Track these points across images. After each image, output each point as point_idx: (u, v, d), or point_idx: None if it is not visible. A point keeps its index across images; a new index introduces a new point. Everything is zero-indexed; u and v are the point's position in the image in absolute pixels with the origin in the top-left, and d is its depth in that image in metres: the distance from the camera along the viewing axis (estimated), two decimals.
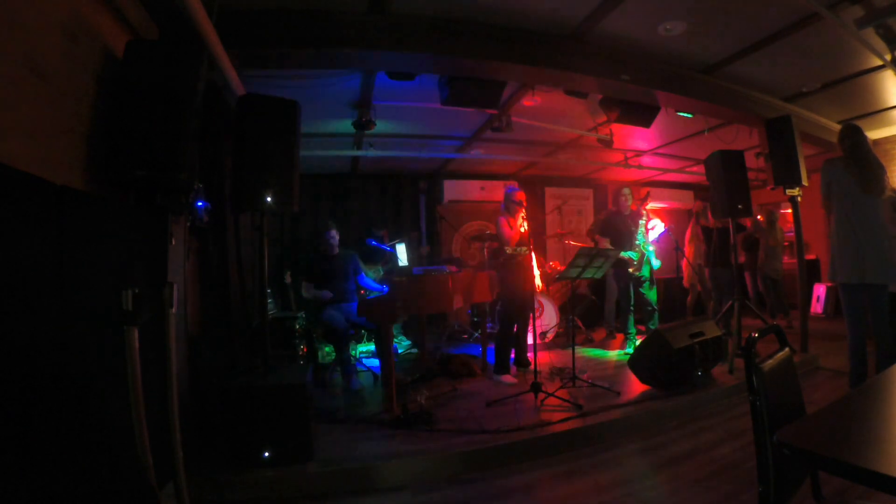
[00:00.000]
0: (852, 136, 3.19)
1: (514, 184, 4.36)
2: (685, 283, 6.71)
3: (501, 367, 4.05)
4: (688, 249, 6.36)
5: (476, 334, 5.65)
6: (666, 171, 7.59)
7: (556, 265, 6.04)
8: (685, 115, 4.75)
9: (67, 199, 1.60)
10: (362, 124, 4.43)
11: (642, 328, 5.18)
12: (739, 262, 6.19)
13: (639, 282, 4.98)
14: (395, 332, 4.76)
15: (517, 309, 4.11)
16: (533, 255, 4.14)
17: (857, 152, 3.15)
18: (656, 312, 5.03)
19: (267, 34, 2.99)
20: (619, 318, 5.48)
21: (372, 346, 5.02)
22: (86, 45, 1.93)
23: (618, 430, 3.01)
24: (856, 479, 0.89)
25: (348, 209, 7.02)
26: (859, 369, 3.16)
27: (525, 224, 4.08)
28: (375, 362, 4.50)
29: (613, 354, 5.06)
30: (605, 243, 5.07)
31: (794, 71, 4.18)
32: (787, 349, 1.38)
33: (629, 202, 5.13)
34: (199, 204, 2.65)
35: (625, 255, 4.87)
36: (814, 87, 4.51)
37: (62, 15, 1.75)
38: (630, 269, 4.93)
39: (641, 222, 5.03)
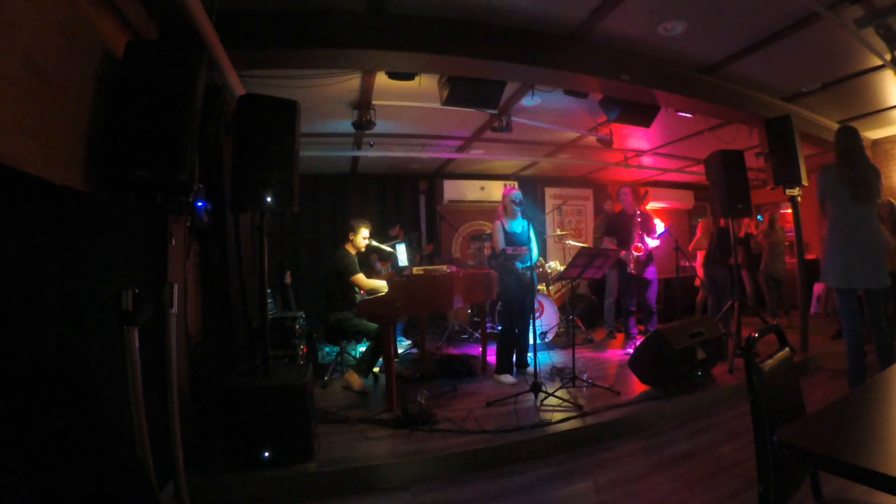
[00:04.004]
0: (847, 141, 3.22)
1: (513, 186, 4.35)
2: (697, 282, 6.72)
3: (502, 366, 4.05)
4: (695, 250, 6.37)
5: (476, 334, 5.65)
6: (666, 170, 7.59)
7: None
8: (685, 115, 4.76)
9: (67, 199, 1.60)
10: (362, 124, 4.43)
11: (642, 328, 5.18)
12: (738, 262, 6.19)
13: (641, 282, 4.97)
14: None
15: (517, 309, 4.10)
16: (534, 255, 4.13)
17: (851, 159, 3.18)
18: (654, 314, 5.02)
19: (267, 34, 2.99)
20: (619, 317, 5.48)
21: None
22: (85, 45, 1.93)
23: (618, 430, 3.01)
24: (856, 479, 0.89)
25: (348, 209, 7.02)
26: (858, 369, 3.18)
27: (525, 225, 4.08)
28: None
29: (613, 354, 5.06)
30: (611, 243, 5.06)
31: (794, 71, 4.18)
32: (787, 349, 1.38)
33: (632, 201, 5.14)
34: (199, 204, 2.65)
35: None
36: (814, 87, 4.51)
37: (61, 15, 1.75)
38: (629, 269, 4.92)
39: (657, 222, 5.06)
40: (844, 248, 3.14)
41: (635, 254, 4.88)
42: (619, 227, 5.12)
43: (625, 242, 4.94)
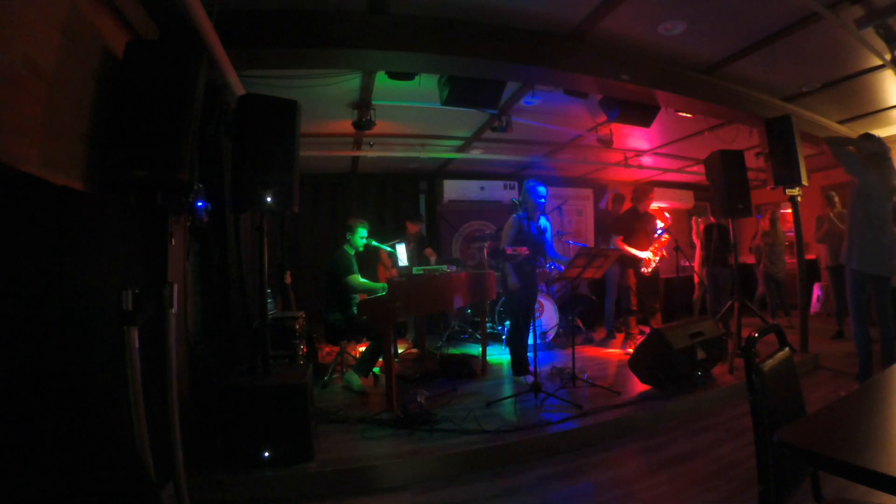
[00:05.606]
0: (884, 147, 3.46)
1: (538, 181, 4.10)
2: (696, 279, 6.73)
3: (520, 367, 4.03)
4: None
5: (476, 334, 5.65)
6: (666, 170, 7.59)
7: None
8: (685, 114, 4.76)
9: (67, 199, 1.60)
10: (362, 124, 4.43)
11: (645, 329, 5.18)
12: (747, 262, 6.22)
13: (645, 281, 5.00)
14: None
15: (522, 308, 4.06)
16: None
17: (886, 162, 3.43)
18: (658, 311, 5.05)
19: (267, 34, 2.99)
20: (619, 317, 5.49)
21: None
22: (85, 45, 1.93)
23: (618, 430, 3.01)
24: (856, 479, 0.89)
25: (348, 209, 7.01)
26: (867, 360, 3.35)
27: (540, 222, 4.03)
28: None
29: (613, 354, 5.06)
30: (617, 240, 5.10)
31: (794, 71, 4.18)
32: (787, 349, 1.38)
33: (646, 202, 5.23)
34: (199, 204, 2.65)
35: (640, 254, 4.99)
36: (814, 86, 4.51)
37: (61, 15, 1.75)
38: (643, 270, 4.96)
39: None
40: (870, 238, 3.39)
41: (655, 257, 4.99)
42: (629, 224, 5.25)
43: (633, 241, 5.06)
